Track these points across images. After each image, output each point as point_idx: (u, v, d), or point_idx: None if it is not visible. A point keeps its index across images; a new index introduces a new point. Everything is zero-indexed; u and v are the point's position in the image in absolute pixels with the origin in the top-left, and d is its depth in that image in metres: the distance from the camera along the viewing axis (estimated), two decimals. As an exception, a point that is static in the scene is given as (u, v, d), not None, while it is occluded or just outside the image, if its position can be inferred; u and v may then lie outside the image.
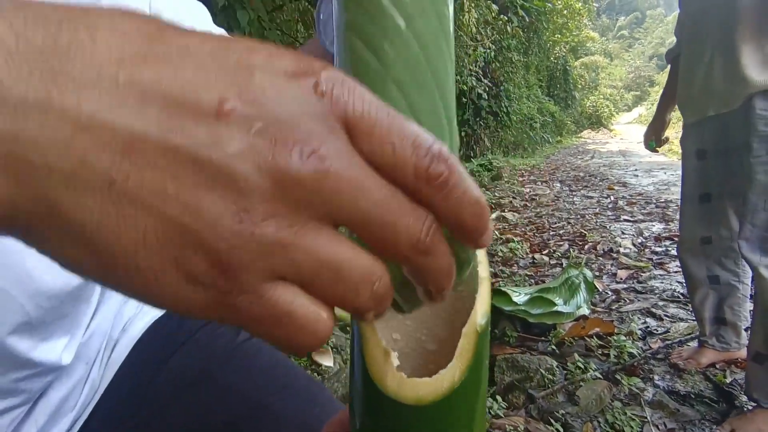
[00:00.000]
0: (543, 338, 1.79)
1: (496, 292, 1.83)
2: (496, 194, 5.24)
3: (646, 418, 1.31)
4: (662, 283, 2.34)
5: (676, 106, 1.62)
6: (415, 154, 0.16)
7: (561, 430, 1.26)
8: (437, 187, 0.16)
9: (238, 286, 0.14)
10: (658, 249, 2.88)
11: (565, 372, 1.55)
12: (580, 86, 21.87)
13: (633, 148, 11.59)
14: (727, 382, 1.44)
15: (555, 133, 14.40)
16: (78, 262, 0.14)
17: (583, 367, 1.53)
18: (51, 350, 0.42)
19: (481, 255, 0.24)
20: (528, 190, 5.51)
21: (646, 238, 3.16)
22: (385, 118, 0.16)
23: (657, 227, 3.42)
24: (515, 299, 1.82)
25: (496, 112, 8.86)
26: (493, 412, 1.35)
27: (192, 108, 0.14)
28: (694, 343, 1.66)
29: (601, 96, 28.38)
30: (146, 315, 0.58)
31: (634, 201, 4.46)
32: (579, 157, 10.15)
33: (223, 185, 0.14)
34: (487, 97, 8.44)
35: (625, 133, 19.87)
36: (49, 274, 0.37)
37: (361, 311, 0.16)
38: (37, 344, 0.40)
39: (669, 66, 1.69)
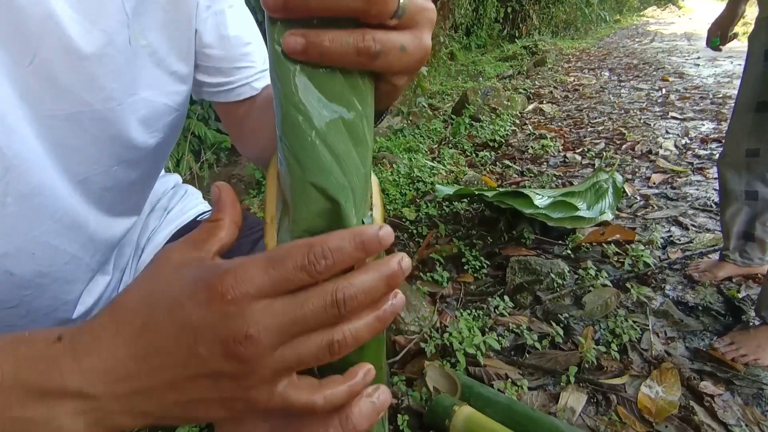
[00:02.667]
0: (560, 242, 1.79)
1: (517, 194, 1.80)
2: (536, 83, 4.90)
3: (648, 326, 1.35)
4: (698, 189, 2.23)
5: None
6: None
7: (561, 331, 1.32)
8: None
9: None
10: (702, 152, 2.70)
11: (576, 277, 1.58)
12: (653, -49, 18.80)
13: (701, 30, 10.28)
14: (740, 297, 1.44)
15: (614, 10, 12.84)
16: None
17: (594, 273, 1.55)
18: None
19: (375, 185, 0.32)
20: (572, 79, 5.10)
21: (691, 140, 2.95)
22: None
23: (707, 127, 3.17)
24: (537, 202, 1.79)
25: (548, -17, 7.88)
26: (499, 311, 1.42)
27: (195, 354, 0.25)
28: (714, 256, 1.63)
29: (677, -37, 24.43)
30: (169, 224, 0.64)
31: (687, 95, 4.08)
32: (636, 39, 9.13)
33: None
34: (540, -34, 7.44)
35: (696, 12, 17.48)
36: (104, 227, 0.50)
37: None
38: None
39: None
